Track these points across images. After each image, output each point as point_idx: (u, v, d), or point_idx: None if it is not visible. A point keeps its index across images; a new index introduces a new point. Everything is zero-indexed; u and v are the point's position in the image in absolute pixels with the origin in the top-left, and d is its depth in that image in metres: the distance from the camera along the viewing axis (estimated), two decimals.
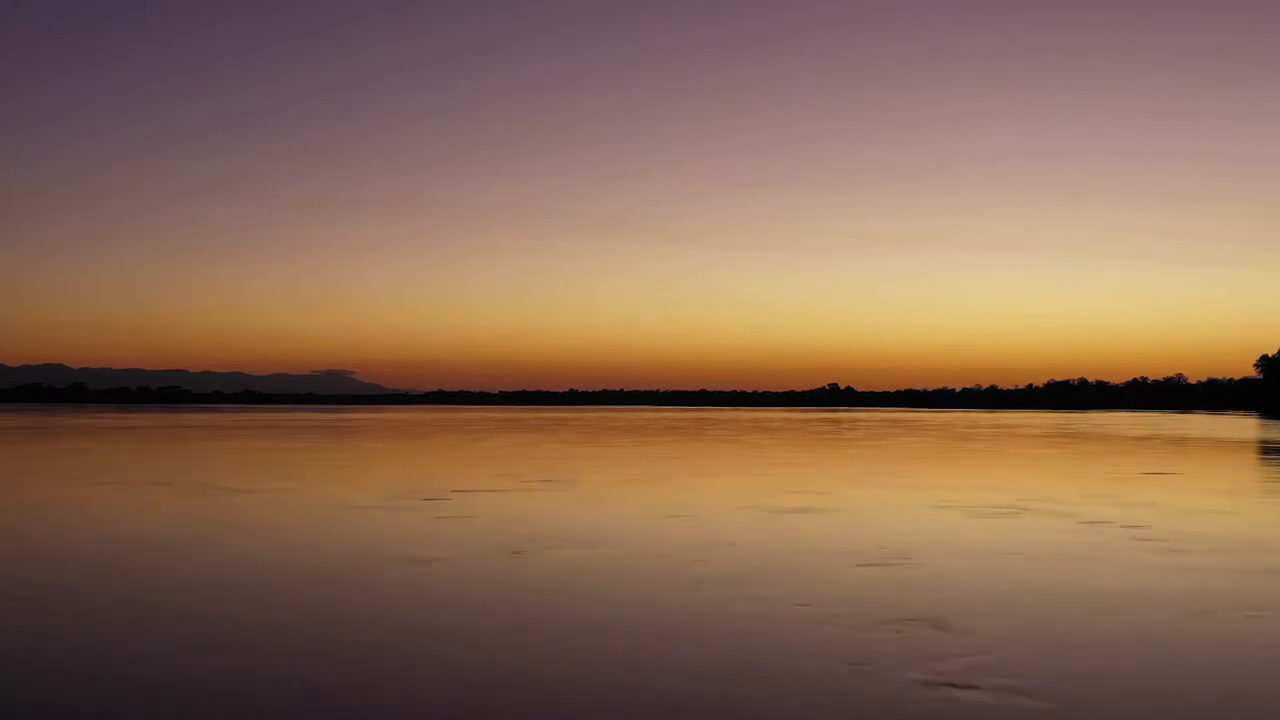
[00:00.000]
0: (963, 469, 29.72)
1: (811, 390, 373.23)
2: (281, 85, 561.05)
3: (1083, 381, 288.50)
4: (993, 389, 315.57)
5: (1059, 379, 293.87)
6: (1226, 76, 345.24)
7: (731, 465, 30.16)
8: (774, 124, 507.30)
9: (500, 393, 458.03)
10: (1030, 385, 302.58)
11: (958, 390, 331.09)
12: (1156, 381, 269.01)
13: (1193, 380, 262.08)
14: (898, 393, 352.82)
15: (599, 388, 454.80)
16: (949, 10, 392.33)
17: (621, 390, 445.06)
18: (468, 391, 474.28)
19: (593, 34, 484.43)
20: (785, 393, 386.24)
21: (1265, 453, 39.92)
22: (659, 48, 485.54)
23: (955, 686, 6.95)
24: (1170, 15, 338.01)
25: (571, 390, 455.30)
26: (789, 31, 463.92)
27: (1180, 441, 50.46)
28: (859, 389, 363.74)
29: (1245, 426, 79.77)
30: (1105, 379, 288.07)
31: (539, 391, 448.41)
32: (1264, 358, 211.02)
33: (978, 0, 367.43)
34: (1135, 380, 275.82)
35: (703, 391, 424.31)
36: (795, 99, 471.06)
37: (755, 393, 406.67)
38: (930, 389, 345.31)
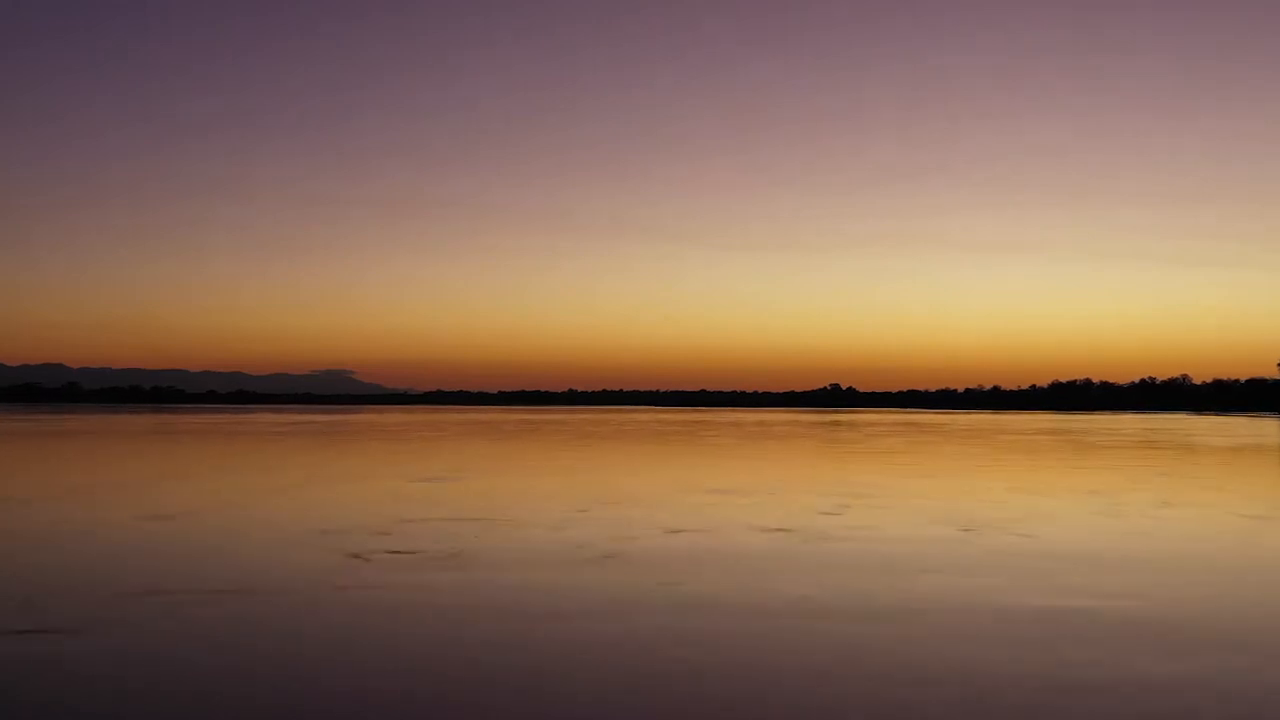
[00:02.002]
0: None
1: (813, 390, 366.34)
2: (281, 85, 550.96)
3: (1087, 382, 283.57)
4: (995, 390, 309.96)
5: (1062, 379, 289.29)
6: (1226, 76, 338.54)
7: (745, 496, 20.34)
8: (774, 124, 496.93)
9: (499, 393, 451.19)
10: (1033, 386, 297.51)
11: (960, 391, 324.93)
12: (1162, 382, 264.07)
13: (1197, 381, 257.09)
14: (900, 393, 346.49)
15: (598, 388, 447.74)
16: (949, 10, 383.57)
17: (621, 390, 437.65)
18: (466, 391, 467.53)
19: (593, 34, 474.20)
20: (786, 393, 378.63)
21: None
22: (659, 48, 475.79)
23: None
24: (1170, 15, 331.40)
25: (570, 390, 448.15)
26: (789, 31, 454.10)
27: None
28: (860, 389, 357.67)
29: None
30: (1108, 379, 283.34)
31: (538, 391, 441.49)
32: None
33: (978, 0, 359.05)
34: (1142, 381, 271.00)
35: (702, 392, 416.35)
36: (795, 99, 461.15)
37: (755, 393, 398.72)
38: (932, 389, 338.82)
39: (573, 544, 14.36)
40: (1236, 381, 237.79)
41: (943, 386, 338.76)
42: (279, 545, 14.21)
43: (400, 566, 12.42)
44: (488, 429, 73.17)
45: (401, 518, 17.40)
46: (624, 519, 17.39)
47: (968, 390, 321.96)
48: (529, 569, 12.31)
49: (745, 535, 15.42)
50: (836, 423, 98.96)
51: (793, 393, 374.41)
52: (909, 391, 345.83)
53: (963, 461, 35.21)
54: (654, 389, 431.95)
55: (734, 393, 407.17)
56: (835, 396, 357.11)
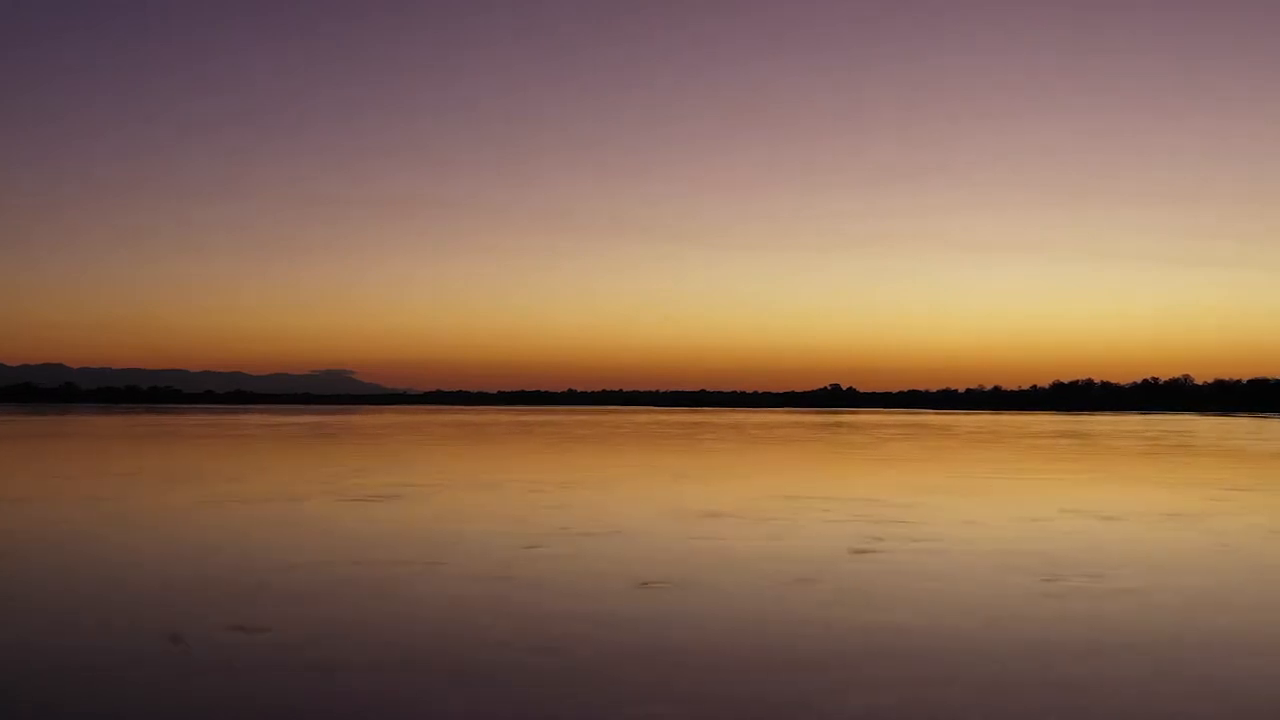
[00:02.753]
0: None
1: (813, 391, 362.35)
2: (281, 85, 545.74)
3: (1089, 382, 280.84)
4: (996, 390, 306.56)
5: (1063, 380, 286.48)
6: (1226, 76, 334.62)
7: (748, 521, 15.85)
8: (774, 124, 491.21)
9: (499, 393, 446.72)
10: (1034, 386, 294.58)
11: (961, 391, 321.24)
12: (1164, 382, 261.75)
13: (1199, 381, 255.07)
14: (900, 393, 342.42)
15: (598, 388, 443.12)
16: (949, 10, 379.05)
17: (621, 390, 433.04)
18: (466, 391, 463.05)
19: (593, 34, 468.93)
20: (786, 393, 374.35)
21: None
22: (659, 48, 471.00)
23: None
24: (1170, 15, 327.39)
25: (570, 390, 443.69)
26: (789, 31, 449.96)
27: None
28: (861, 390, 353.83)
29: None
30: (1109, 379, 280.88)
31: (538, 392, 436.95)
32: None
33: (978, 0, 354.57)
34: (1145, 381, 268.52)
35: (702, 392, 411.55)
36: (796, 99, 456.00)
37: (755, 393, 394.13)
38: (933, 390, 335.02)
39: (501, 612, 10.03)
40: (1238, 382, 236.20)
41: (943, 386, 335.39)
42: (77, 615, 9.86)
43: (221, 664, 8.08)
44: (475, 431, 68.89)
45: (293, 561, 13.09)
46: (587, 562, 13.06)
47: (969, 390, 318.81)
48: (410, 680, 7.97)
49: (750, 592, 11.09)
50: (840, 424, 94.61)
51: (793, 393, 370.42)
52: (909, 391, 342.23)
53: (993, 470, 30.88)
54: (654, 389, 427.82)
55: (734, 393, 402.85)
56: (835, 397, 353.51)
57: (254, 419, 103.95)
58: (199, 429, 69.53)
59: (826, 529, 16.56)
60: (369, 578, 11.83)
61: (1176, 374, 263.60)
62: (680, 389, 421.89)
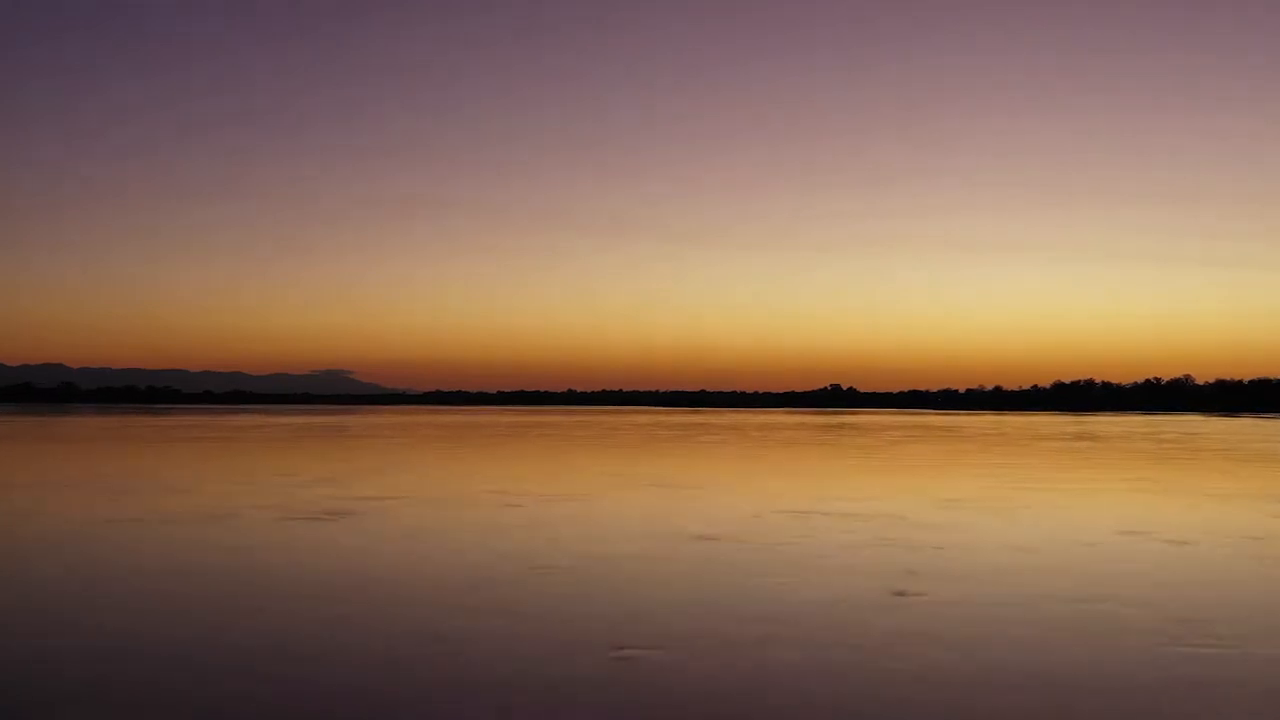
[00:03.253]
0: None
1: (813, 391, 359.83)
2: (282, 84, 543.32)
3: (1090, 382, 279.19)
4: (997, 390, 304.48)
5: (1064, 380, 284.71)
6: (1226, 76, 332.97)
7: (753, 546, 12.82)
8: (774, 124, 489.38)
9: (498, 393, 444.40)
10: (1035, 386, 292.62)
11: (962, 391, 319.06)
12: (1166, 382, 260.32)
13: (1200, 381, 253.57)
14: (901, 394, 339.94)
15: (598, 388, 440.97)
16: (949, 10, 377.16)
17: (620, 390, 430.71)
18: (465, 391, 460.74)
19: (593, 34, 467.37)
20: (786, 393, 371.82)
21: None
22: (659, 48, 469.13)
23: None
24: (1170, 15, 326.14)
25: (570, 390, 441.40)
26: (789, 31, 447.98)
27: None
28: (861, 390, 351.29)
29: None
30: (1110, 380, 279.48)
31: (537, 392, 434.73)
32: None
33: (978, 0, 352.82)
34: (1147, 381, 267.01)
35: (702, 392, 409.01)
36: (796, 99, 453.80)
37: (755, 394, 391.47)
38: (934, 390, 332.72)
39: (411, 703, 7.14)
40: (1240, 382, 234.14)
41: (944, 387, 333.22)
42: None
43: None
44: (469, 433, 66.00)
45: (168, 613, 10.21)
46: (546, 617, 10.13)
47: (969, 390, 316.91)
48: None
49: (759, 664, 8.19)
50: (844, 425, 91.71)
51: (793, 393, 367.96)
52: (910, 392, 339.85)
53: (1016, 477, 27.98)
54: (654, 389, 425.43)
55: (734, 393, 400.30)
56: (835, 397, 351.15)
57: (246, 420, 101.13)
58: (186, 430, 66.66)
59: (849, 559, 13.67)
60: (257, 636, 8.95)
61: (1178, 374, 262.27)
62: (680, 389, 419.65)
